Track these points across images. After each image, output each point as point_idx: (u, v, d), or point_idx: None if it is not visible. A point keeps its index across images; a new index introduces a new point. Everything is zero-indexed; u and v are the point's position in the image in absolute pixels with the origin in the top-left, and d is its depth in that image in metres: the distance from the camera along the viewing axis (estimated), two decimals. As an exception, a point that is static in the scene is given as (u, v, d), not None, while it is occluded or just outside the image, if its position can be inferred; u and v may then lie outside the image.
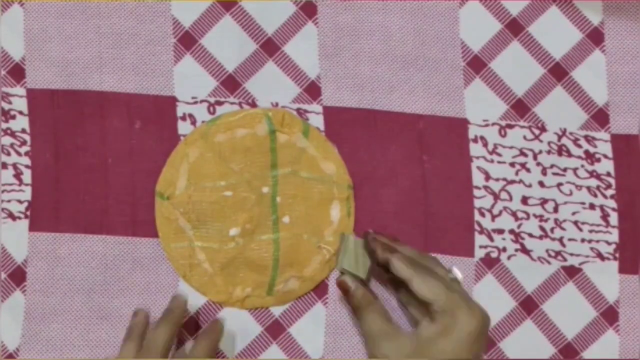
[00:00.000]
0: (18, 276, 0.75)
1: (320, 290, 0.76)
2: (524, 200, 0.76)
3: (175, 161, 0.76)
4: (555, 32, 0.77)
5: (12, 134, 0.76)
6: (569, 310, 0.76)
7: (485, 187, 0.76)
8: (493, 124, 0.77)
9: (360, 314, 0.72)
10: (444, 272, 0.71)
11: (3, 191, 0.76)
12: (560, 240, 0.76)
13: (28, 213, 0.75)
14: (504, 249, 0.76)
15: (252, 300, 0.76)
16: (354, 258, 0.74)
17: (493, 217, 0.76)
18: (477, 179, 0.76)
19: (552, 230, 0.76)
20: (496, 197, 0.76)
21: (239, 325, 0.76)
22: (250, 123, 0.75)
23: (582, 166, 0.76)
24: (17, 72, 0.76)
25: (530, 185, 0.76)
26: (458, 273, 0.72)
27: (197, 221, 0.75)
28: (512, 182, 0.76)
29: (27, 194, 0.75)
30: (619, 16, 0.77)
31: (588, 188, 0.76)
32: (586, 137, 0.77)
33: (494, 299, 0.76)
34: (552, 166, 0.76)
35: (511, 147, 0.76)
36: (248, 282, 0.76)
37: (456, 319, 0.67)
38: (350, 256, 0.74)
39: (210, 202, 0.75)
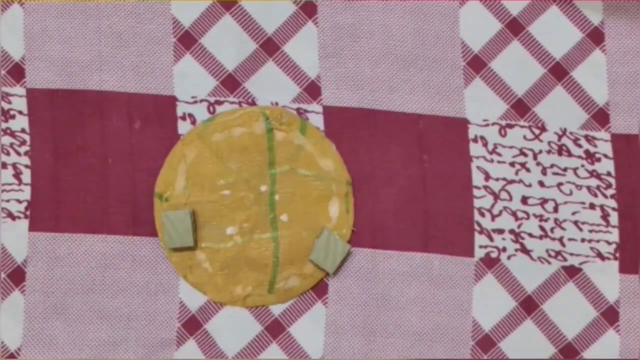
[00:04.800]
0: (17, 276, 0.75)
1: (320, 289, 0.76)
2: (524, 200, 0.76)
3: (173, 162, 0.76)
4: (556, 32, 0.77)
5: (12, 134, 0.76)
6: (569, 310, 0.76)
7: (485, 187, 0.76)
8: (493, 123, 0.76)
9: None
10: None
11: (2, 191, 0.76)
12: (560, 240, 0.76)
13: (28, 213, 0.76)
14: (504, 249, 0.76)
15: (254, 298, 0.76)
16: (323, 251, 0.74)
17: (493, 217, 0.76)
18: (477, 178, 0.76)
19: (552, 230, 0.76)
20: (496, 197, 0.76)
21: (239, 325, 0.76)
22: (247, 122, 0.76)
23: (582, 166, 0.76)
24: (17, 72, 0.76)
25: (530, 185, 0.76)
26: None
27: (196, 221, 0.75)
28: (512, 182, 0.76)
29: (26, 193, 0.76)
30: (619, 16, 0.77)
31: (588, 188, 0.76)
32: (586, 137, 0.77)
33: (493, 299, 0.76)
34: (552, 166, 0.76)
35: (511, 147, 0.76)
36: (249, 280, 0.76)
37: None
38: (320, 249, 0.74)
39: (209, 202, 0.75)
